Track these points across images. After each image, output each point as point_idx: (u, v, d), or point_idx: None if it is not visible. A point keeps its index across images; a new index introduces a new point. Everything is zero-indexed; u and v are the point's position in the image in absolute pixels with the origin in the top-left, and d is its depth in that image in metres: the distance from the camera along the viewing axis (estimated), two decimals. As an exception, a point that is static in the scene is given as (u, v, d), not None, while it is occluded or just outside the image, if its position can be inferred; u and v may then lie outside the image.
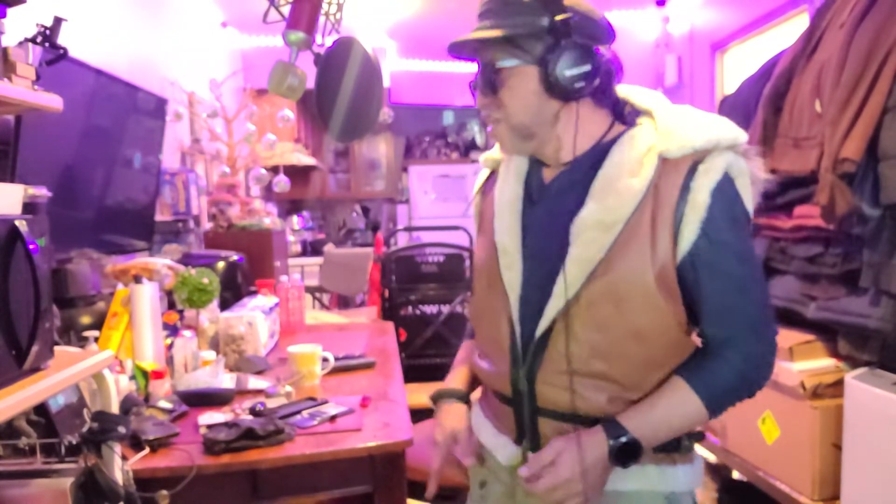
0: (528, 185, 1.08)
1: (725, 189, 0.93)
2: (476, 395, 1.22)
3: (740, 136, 0.95)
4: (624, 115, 1.04)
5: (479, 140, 6.66)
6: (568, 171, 1.03)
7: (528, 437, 1.04)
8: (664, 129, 0.97)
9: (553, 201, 1.03)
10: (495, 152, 1.18)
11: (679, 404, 0.96)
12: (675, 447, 1.01)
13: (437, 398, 1.20)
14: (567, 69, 0.95)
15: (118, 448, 1.15)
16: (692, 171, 0.93)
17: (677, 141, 0.94)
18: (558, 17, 0.95)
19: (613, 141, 1.00)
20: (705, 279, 0.94)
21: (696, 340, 1.01)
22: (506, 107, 1.00)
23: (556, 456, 0.94)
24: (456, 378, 1.22)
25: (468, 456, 1.10)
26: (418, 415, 1.68)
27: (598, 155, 1.00)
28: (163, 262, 2.14)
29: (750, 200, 0.97)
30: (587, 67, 0.96)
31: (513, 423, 1.06)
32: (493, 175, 1.18)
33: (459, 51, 1.04)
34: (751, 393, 0.99)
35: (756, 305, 0.98)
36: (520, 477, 0.97)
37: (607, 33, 1.00)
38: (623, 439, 0.93)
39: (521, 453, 1.05)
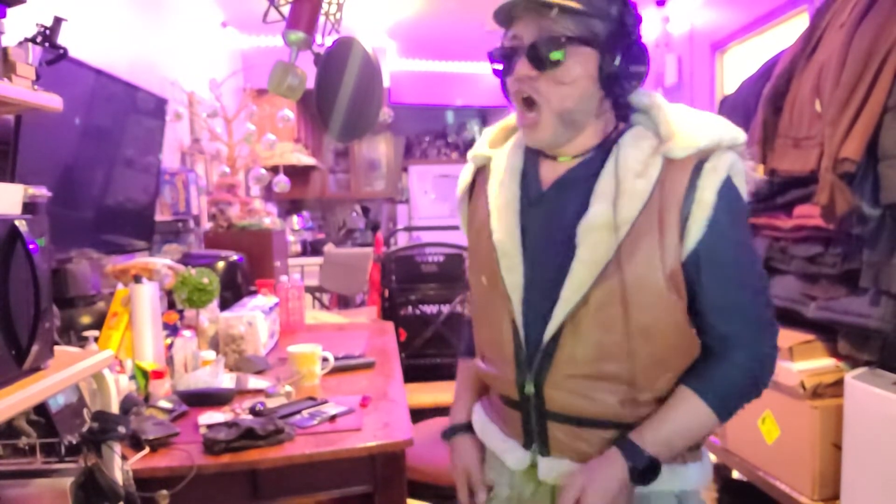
0: (524, 183, 1.06)
1: (729, 187, 0.94)
2: None
3: (739, 135, 0.96)
4: (624, 113, 1.03)
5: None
6: (569, 171, 1.02)
7: (537, 441, 1.03)
8: (667, 131, 0.97)
9: (553, 202, 1.02)
10: (484, 148, 1.15)
11: (691, 415, 0.96)
12: None
13: (449, 434, 1.19)
14: (632, 65, 0.96)
15: (118, 448, 1.15)
16: (697, 169, 0.94)
17: (682, 142, 0.95)
18: (628, 12, 0.96)
19: (615, 140, 1.00)
20: (710, 275, 0.95)
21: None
22: (559, 85, 0.95)
23: (582, 494, 0.93)
24: (461, 408, 1.21)
25: (480, 490, 1.10)
26: (418, 415, 1.68)
27: (602, 154, 1.00)
28: (163, 262, 2.14)
29: (745, 197, 0.98)
30: (643, 68, 0.97)
31: (520, 428, 1.04)
32: (479, 171, 1.15)
33: (509, 13, 0.98)
34: (758, 393, 0.99)
35: (760, 302, 0.98)
36: None
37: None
38: (642, 460, 0.93)
39: (530, 458, 1.04)
